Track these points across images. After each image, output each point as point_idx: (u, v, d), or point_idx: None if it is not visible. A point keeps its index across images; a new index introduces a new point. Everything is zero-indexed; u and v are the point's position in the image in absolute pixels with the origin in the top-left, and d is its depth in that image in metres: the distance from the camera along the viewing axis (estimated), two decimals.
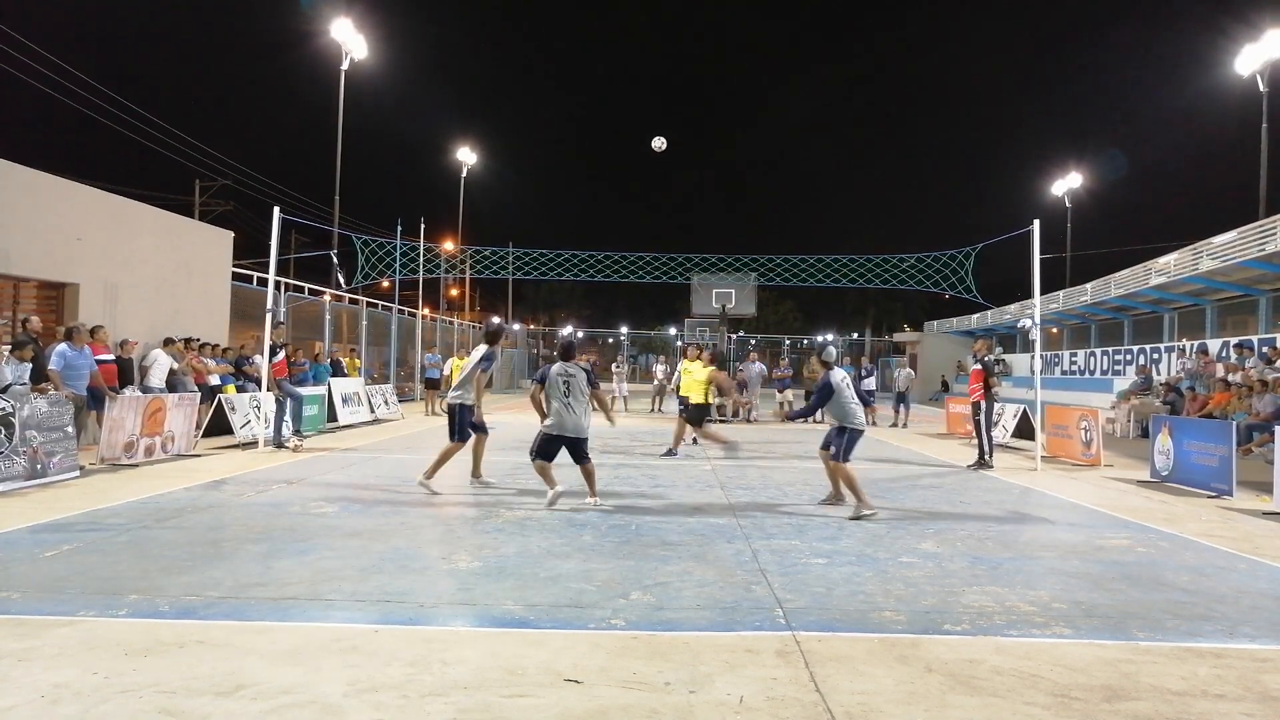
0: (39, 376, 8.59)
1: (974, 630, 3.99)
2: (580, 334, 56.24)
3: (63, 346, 8.95)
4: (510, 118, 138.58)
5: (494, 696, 3.07)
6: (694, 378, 12.13)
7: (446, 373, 17.57)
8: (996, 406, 12.46)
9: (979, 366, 10.84)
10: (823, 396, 7.34)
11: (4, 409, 7.48)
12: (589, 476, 7.28)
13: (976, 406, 10.82)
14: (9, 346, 8.81)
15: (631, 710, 2.99)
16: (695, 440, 13.06)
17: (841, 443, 7.26)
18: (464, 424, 7.80)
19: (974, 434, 11.09)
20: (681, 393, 12.91)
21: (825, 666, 3.45)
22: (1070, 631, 4.01)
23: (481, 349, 8.03)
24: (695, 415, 11.94)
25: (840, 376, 7.50)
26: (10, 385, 8.06)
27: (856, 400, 7.49)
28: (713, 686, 3.21)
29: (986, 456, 10.67)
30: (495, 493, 7.82)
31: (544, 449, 7.13)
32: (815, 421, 19.07)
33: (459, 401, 7.83)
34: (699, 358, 12.72)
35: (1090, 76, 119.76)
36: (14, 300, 11.57)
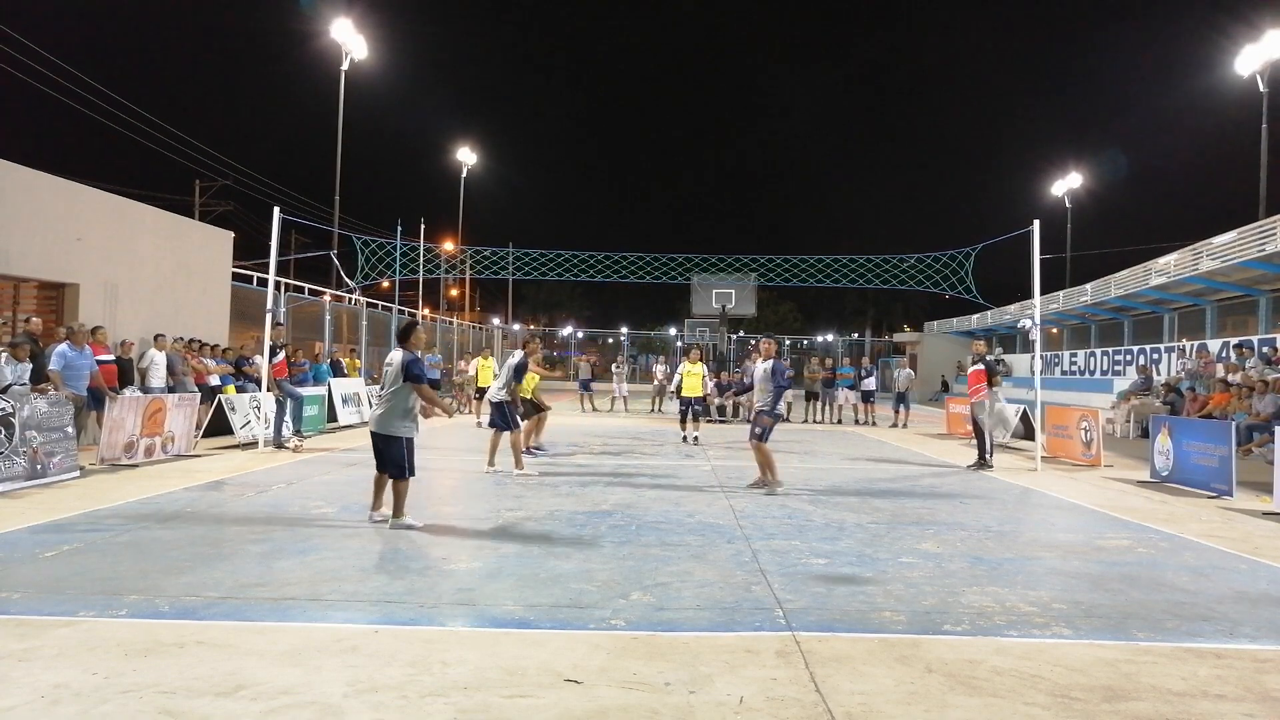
0: (39, 377, 8.59)
1: (974, 630, 3.99)
2: (580, 334, 56.28)
3: (63, 347, 8.95)
4: (510, 118, 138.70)
5: (494, 697, 3.07)
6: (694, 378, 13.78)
7: (472, 374, 17.64)
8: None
9: (981, 366, 10.82)
10: (784, 381, 8.32)
11: (4, 409, 7.48)
12: (396, 495, 6.15)
13: (978, 406, 10.80)
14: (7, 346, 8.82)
15: (631, 710, 2.99)
16: (696, 439, 13.25)
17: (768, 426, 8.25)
18: (511, 415, 9.11)
19: (973, 434, 11.09)
20: (684, 393, 13.98)
21: (825, 667, 3.45)
22: (1070, 632, 4.01)
23: (516, 356, 9.32)
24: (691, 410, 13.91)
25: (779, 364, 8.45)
26: (10, 385, 8.06)
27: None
28: (713, 687, 3.21)
29: (987, 456, 10.67)
30: (495, 493, 7.82)
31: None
32: (816, 422, 19.12)
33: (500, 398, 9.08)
34: (699, 359, 14.30)
35: (1090, 76, 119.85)
36: (14, 300, 11.58)
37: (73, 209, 11.42)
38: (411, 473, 6.18)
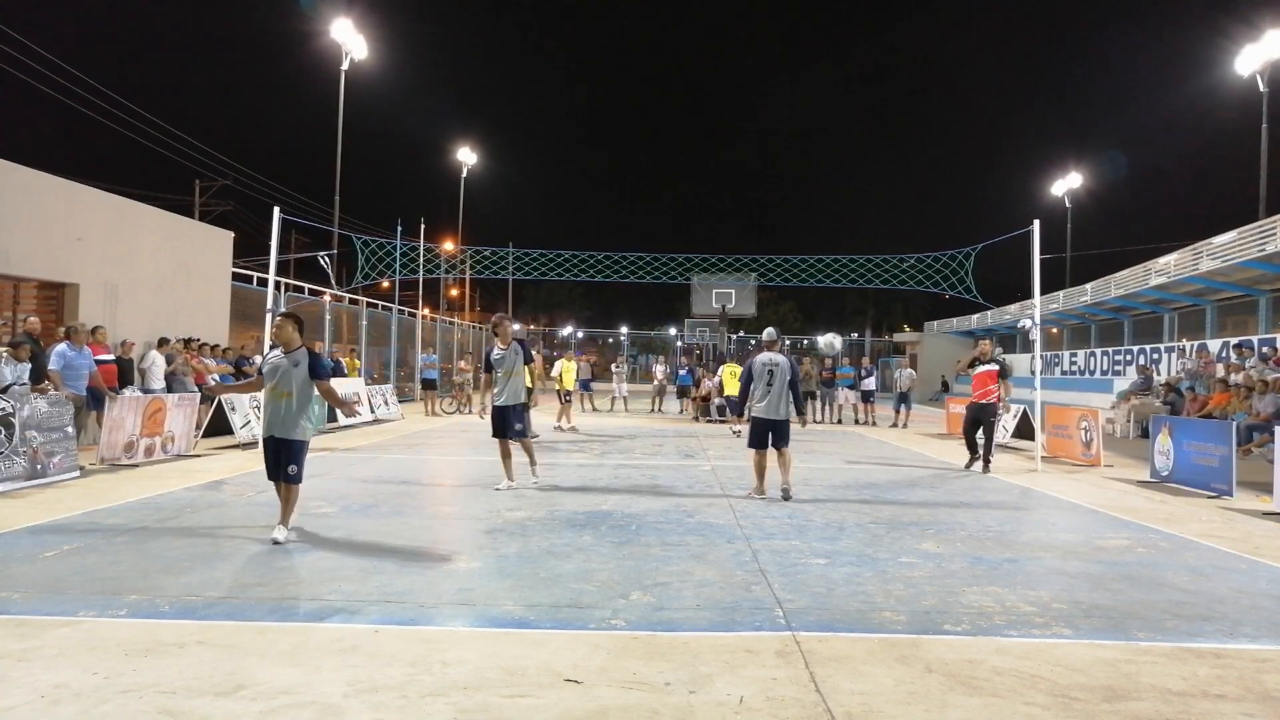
0: (39, 376, 8.58)
1: (974, 630, 3.99)
2: (580, 334, 56.30)
3: (62, 347, 8.95)
4: (510, 118, 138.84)
5: (494, 696, 3.07)
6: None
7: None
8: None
9: (994, 367, 10.50)
10: (744, 379, 7.96)
11: (4, 409, 7.48)
12: (284, 502, 5.65)
13: (992, 408, 10.54)
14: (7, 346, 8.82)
15: (631, 710, 2.99)
16: (739, 433, 14.02)
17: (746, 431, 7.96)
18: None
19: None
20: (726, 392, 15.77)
21: (825, 667, 3.45)
22: (1070, 631, 4.01)
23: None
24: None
25: (763, 360, 7.82)
26: (10, 385, 8.06)
27: (766, 389, 7.77)
28: (713, 687, 3.21)
29: (989, 456, 10.60)
30: (494, 493, 7.81)
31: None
32: (816, 422, 19.10)
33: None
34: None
35: (1090, 76, 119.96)
36: (14, 300, 11.58)
37: (73, 209, 11.42)
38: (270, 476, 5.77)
